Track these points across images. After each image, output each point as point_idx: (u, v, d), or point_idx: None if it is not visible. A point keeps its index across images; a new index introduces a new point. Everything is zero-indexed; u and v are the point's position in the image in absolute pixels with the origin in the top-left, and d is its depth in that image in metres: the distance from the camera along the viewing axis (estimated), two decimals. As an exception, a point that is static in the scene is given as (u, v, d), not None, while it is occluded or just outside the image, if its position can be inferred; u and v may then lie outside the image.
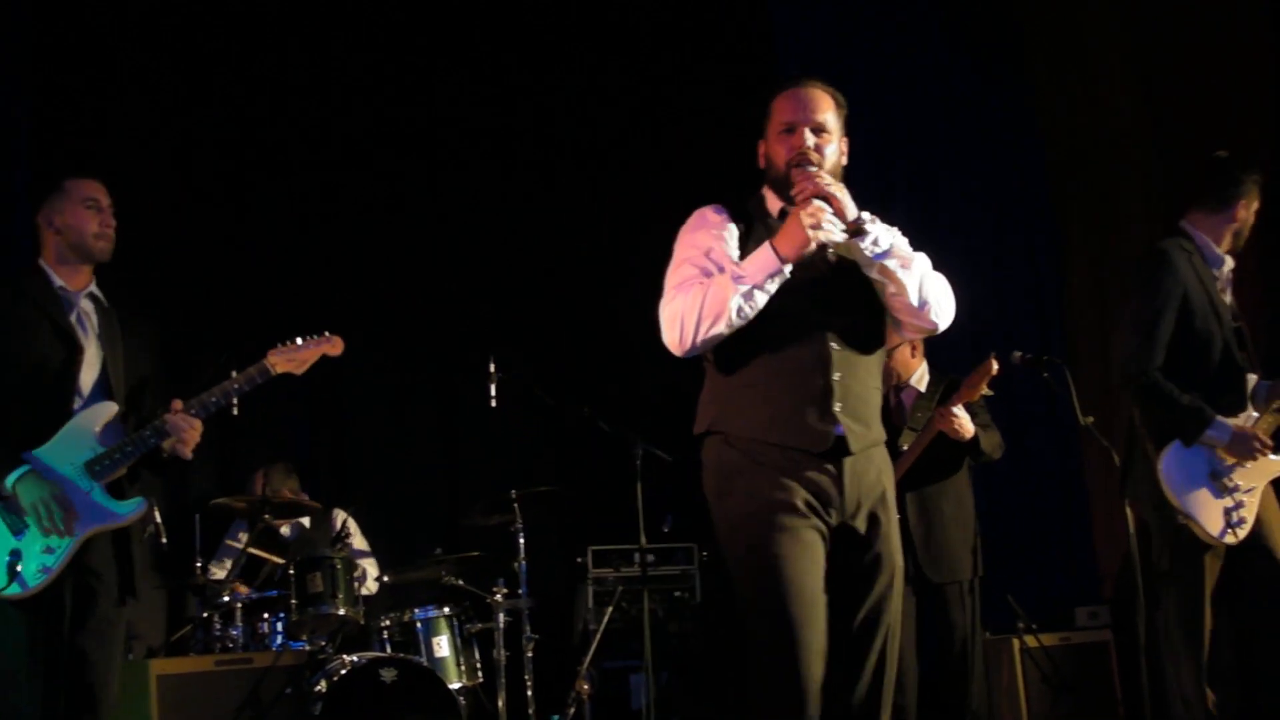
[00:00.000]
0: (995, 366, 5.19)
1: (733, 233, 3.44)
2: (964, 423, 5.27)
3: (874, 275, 3.37)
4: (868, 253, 3.34)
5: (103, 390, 4.09)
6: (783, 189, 3.44)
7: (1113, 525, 6.45)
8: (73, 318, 4.12)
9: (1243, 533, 4.56)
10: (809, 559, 3.24)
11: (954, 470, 5.47)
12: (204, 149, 7.26)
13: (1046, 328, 7.56)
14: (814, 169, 3.32)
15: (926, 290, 3.40)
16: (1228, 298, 4.79)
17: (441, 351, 7.73)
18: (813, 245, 3.23)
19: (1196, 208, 4.85)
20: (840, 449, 3.29)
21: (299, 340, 4.30)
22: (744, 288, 3.23)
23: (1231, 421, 4.60)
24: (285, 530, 6.76)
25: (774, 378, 3.32)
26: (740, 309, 3.24)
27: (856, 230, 3.28)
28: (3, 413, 3.98)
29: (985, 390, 5.28)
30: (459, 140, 7.90)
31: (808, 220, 3.21)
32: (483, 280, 7.74)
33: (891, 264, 3.34)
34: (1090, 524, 7.53)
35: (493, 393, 6.13)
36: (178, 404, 4.04)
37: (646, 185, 7.80)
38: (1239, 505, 4.59)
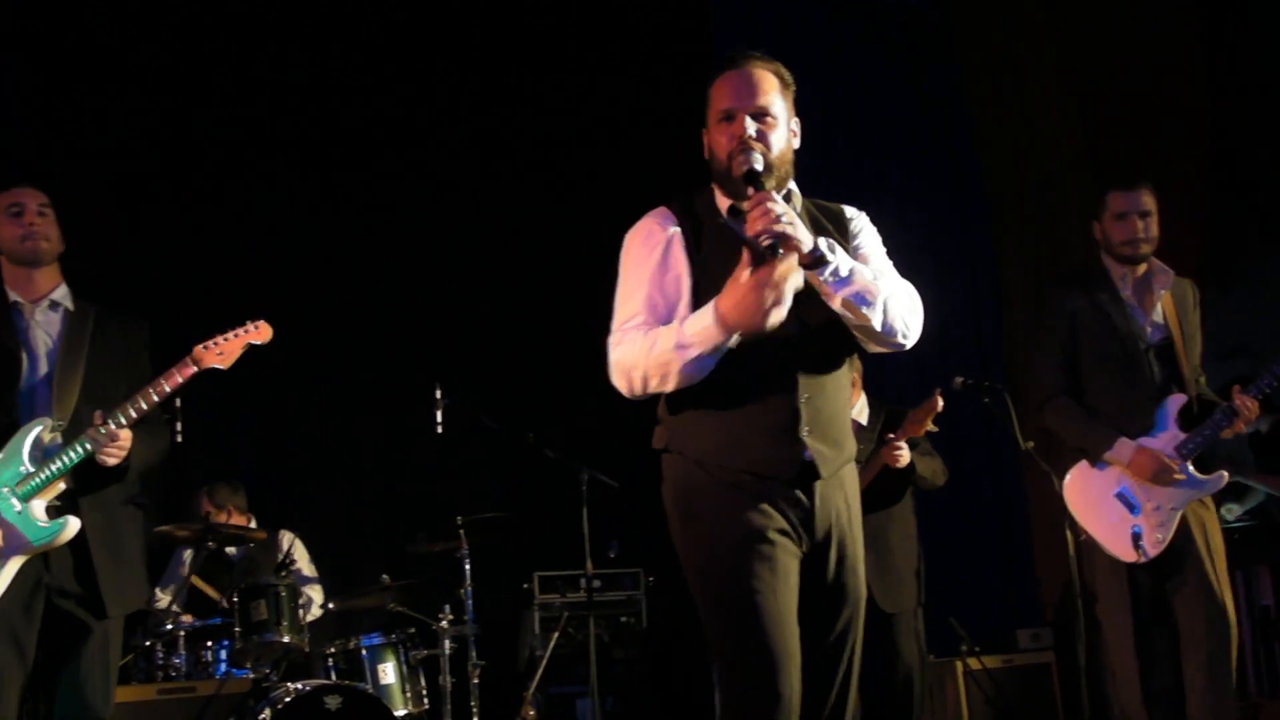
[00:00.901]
0: (940, 404, 5.25)
1: (677, 251, 3.18)
2: (904, 454, 5.34)
3: (836, 307, 3.09)
4: (827, 284, 3.06)
5: (46, 402, 4.03)
6: (727, 183, 3.19)
7: (1054, 548, 6.51)
8: (21, 331, 4.07)
9: (1154, 552, 4.62)
10: (785, 586, 3.05)
11: (898, 499, 5.52)
12: (143, 165, 7.27)
13: (986, 353, 7.66)
14: (774, 207, 2.93)
15: (892, 315, 3.14)
16: (1158, 315, 4.87)
17: (387, 377, 7.71)
18: (767, 326, 2.92)
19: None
20: (809, 474, 3.09)
21: (224, 334, 4.17)
22: (689, 355, 3.01)
23: (1143, 441, 4.69)
24: (231, 551, 6.72)
25: (736, 401, 3.10)
26: (688, 375, 3.04)
27: (815, 262, 3.02)
28: None
29: (930, 426, 5.34)
30: (403, 166, 7.90)
31: (768, 297, 2.87)
32: (428, 306, 7.73)
33: (853, 297, 3.07)
34: (1031, 547, 7.62)
35: (439, 419, 6.13)
36: (96, 416, 3.95)
37: (590, 211, 7.80)
38: (1150, 524, 4.65)
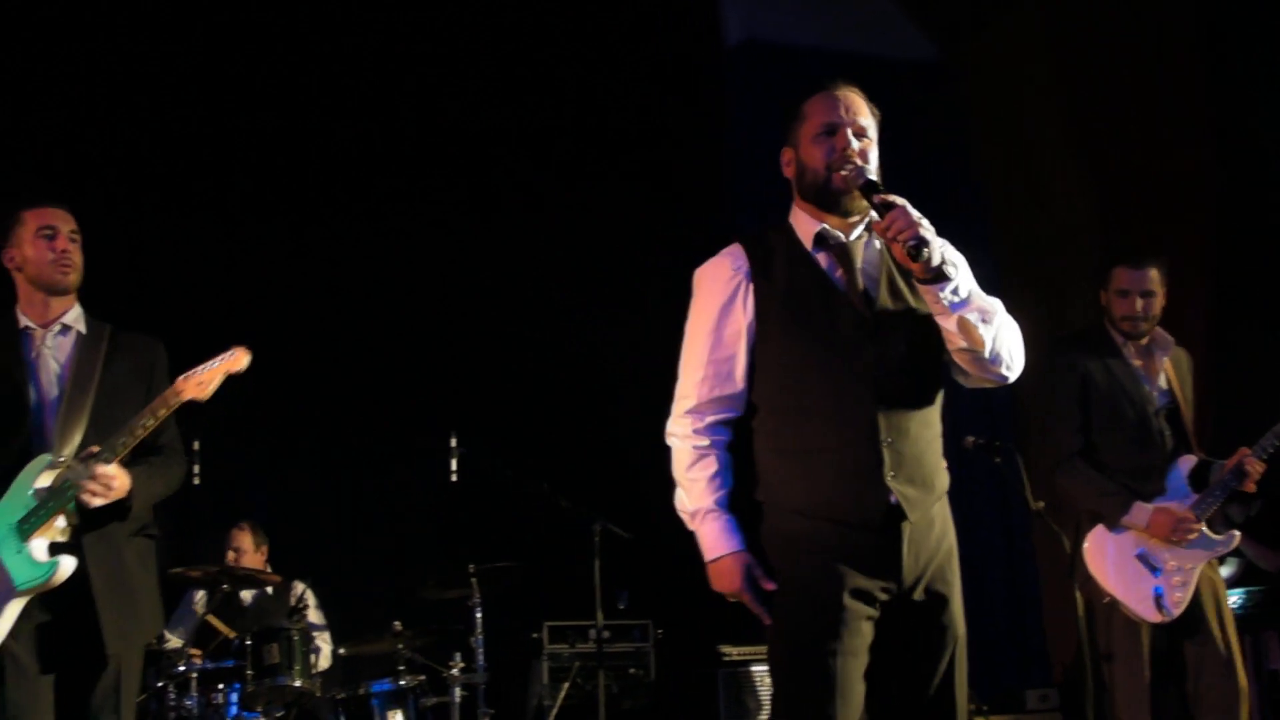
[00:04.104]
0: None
1: (740, 301, 3.08)
2: None
3: (948, 326, 2.97)
4: (945, 302, 2.93)
5: (57, 431, 3.89)
6: (824, 196, 3.08)
7: (1063, 609, 6.52)
8: (28, 360, 3.95)
9: (1177, 611, 4.66)
10: (854, 652, 2.93)
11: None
12: (156, 199, 7.37)
13: (994, 412, 7.69)
14: (912, 209, 2.87)
15: (1001, 342, 3.01)
16: (1163, 380, 4.93)
17: (402, 424, 7.75)
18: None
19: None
20: (896, 517, 2.95)
21: (204, 364, 3.92)
22: (691, 524, 3.11)
23: (1157, 504, 4.74)
24: (247, 597, 6.76)
25: (816, 448, 2.99)
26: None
27: (937, 276, 2.88)
28: None
29: None
30: (421, 209, 7.98)
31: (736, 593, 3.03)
32: (444, 353, 7.78)
33: (972, 316, 2.95)
34: (1040, 607, 7.62)
35: (453, 467, 6.18)
36: (90, 451, 3.80)
37: (611, 260, 7.90)
38: (1171, 584, 4.69)
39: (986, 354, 2.99)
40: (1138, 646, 4.73)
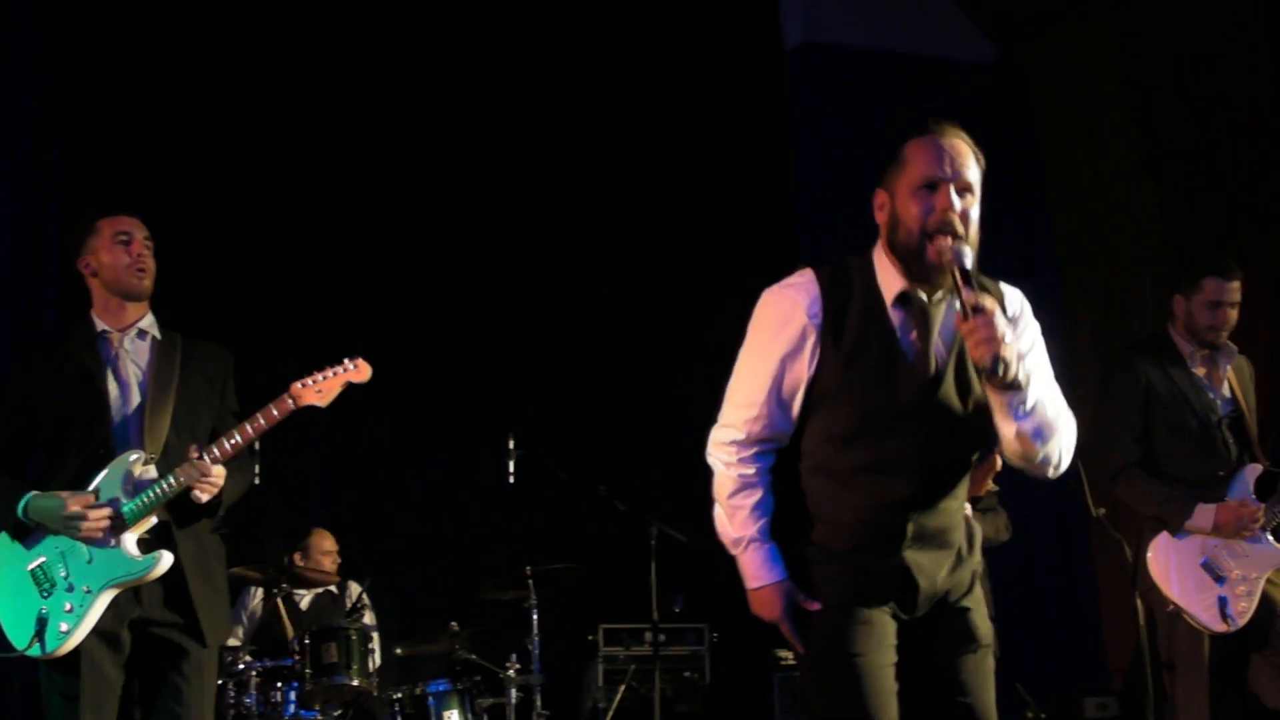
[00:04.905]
0: (999, 463, 5.24)
1: (808, 349, 2.97)
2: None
3: (1006, 432, 2.91)
4: (1010, 409, 2.86)
5: (139, 433, 3.99)
6: (914, 262, 2.91)
7: (1123, 617, 6.47)
8: (110, 361, 4.06)
9: (1242, 621, 4.61)
10: (882, 652, 2.96)
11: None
12: (225, 202, 7.50)
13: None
14: (999, 322, 2.73)
15: (1053, 452, 2.95)
16: (1226, 389, 4.88)
17: (460, 426, 7.80)
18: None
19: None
20: (909, 580, 2.97)
21: (323, 372, 4.08)
22: (734, 551, 3.09)
23: (1218, 502, 4.69)
24: (304, 597, 6.82)
25: (846, 506, 2.98)
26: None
27: (1011, 385, 2.80)
28: (25, 469, 4.03)
29: (991, 486, 5.35)
30: (484, 213, 8.04)
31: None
32: (502, 355, 7.82)
33: (1029, 429, 2.88)
34: (1099, 615, 7.55)
35: (511, 469, 6.20)
36: (193, 450, 3.90)
37: (670, 264, 7.92)
38: (1236, 594, 4.64)
39: (1037, 461, 2.95)
40: (1200, 656, 4.68)
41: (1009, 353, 2.74)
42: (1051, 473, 3.00)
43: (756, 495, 3.07)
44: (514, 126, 8.03)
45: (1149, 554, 4.77)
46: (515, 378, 7.79)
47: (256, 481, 4.41)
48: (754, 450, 3.08)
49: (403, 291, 7.78)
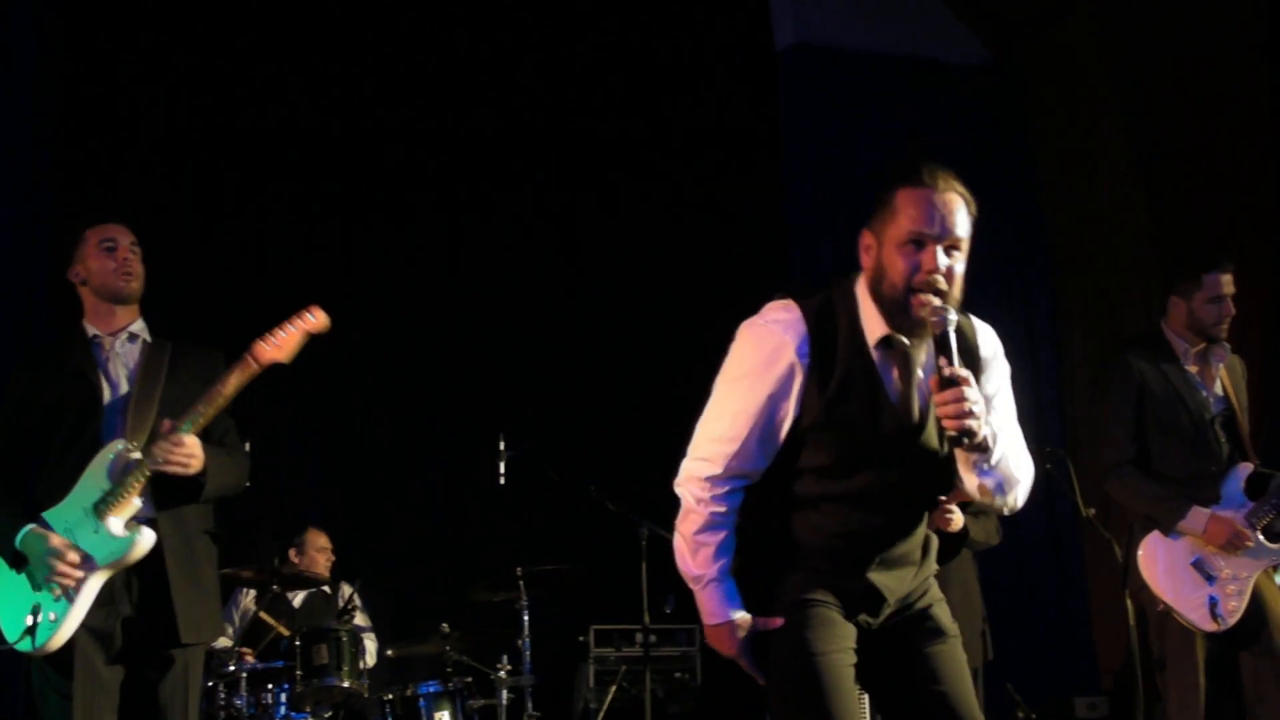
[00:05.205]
0: None
1: (794, 392, 2.95)
2: (956, 518, 5.32)
3: (967, 481, 3.01)
4: (976, 468, 2.96)
5: (123, 428, 4.02)
6: (896, 313, 2.89)
7: (1114, 617, 6.48)
8: (100, 363, 4.12)
9: (1232, 620, 4.62)
10: (846, 653, 2.99)
11: (952, 557, 5.49)
12: (225, 202, 7.50)
13: (1044, 418, 7.63)
14: (970, 394, 2.77)
15: (1010, 499, 3.06)
16: (1218, 387, 4.88)
17: (451, 427, 7.79)
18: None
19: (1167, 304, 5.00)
20: (875, 597, 3.02)
21: (281, 327, 3.98)
22: (694, 587, 3.11)
23: (1215, 511, 4.69)
24: (296, 598, 6.81)
25: (814, 530, 3.01)
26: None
27: (980, 448, 2.87)
28: (25, 471, 4.04)
29: None
30: (483, 213, 8.04)
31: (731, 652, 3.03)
32: (494, 356, 7.83)
33: (991, 484, 2.99)
34: (1090, 615, 7.56)
35: (501, 470, 6.20)
36: (166, 424, 3.91)
37: (664, 264, 7.92)
38: (1226, 593, 4.65)
39: (994, 505, 3.06)
40: (1192, 655, 4.68)
41: (978, 425, 2.80)
42: (1007, 511, 3.12)
43: (721, 535, 3.07)
44: (512, 126, 8.04)
45: (1140, 553, 4.78)
46: (513, 377, 7.79)
47: (247, 483, 4.39)
48: (727, 488, 3.06)
49: (402, 291, 7.79)
